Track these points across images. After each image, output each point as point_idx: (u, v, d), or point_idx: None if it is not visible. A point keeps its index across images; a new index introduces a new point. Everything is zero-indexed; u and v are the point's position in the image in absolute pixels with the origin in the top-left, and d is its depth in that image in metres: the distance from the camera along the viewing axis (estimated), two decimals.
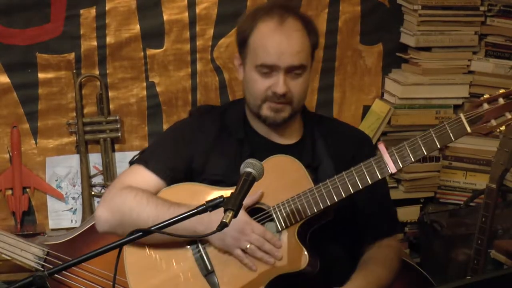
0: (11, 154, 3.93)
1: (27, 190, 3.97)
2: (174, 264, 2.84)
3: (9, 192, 3.95)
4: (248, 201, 2.75)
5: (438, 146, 2.72)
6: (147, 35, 4.00)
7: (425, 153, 2.71)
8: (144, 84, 4.04)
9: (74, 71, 3.95)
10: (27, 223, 3.99)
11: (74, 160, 4.01)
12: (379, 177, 2.73)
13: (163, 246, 2.84)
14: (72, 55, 3.94)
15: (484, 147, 4.19)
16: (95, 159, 4.04)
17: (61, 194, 4.01)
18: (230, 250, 2.77)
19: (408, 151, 2.72)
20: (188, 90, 4.08)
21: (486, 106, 2.68)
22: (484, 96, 2.71)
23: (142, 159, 2.96)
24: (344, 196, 2.75)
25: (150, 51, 4.02)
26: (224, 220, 2.42)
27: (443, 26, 4.18)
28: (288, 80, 2.81)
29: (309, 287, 2.81)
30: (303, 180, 2.80)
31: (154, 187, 2.90)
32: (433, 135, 2.71)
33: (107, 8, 3.94)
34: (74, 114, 3.98)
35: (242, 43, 2.88)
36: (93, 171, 4.04)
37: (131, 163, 3.05)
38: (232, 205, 2.46)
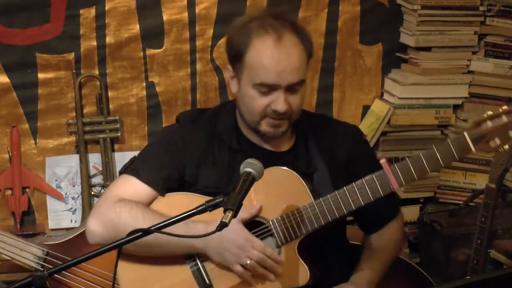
0: (10, 154, 3.93)
1: (27, 190, 3.97)
2: (171, 278, 2.80)
3: (9, 192, 3.95)
4: (246, 215, 2.73)
5: (442, 165, 2.70)
6: (147, 35, 4.00)
7: (429, 172, 2.70)
8: (144, 84, 4.04)
9: (74, 71, 3.95)
10: (27, 223, 3.99)
11: (73, 160, 4.01)
12: (382, 194, 2.72)
13: (160, 261, 2.81)
14: (72, 55, 3.94)
15: None
16: (94, 159, 4.03)
17: (60, 194, 4.01)
18: (230, 266, 2.74)
19: (412, 169, 2.70)
20: (188, 90, 4.08)
21: (489, 124, 2.66)
22: (488, 113, 2.67)
23: (134, 170, 2.88)
24: (345, 212, 2.73)
25: (150, 51, 4.02)
26: (224, 220, 2.42)
27: (443, 26, 4.18)
28: (288, 96, 2.75)
29: None
30: (302, 194, 2.77)
31: (147, 198, 2.84)
32: (437, 153, 2.68)
33: (106, 8, 3.94)
34: (74, 114, 3.98)
35: (236, 58, 2.79)
36: (92, 171, 4.04)
37: (121, 172, 2.97)
38: (231, 205, 2.45)
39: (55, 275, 2.82)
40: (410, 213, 4.23)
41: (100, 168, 4.03)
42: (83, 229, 3.45)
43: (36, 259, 3.46)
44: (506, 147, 2.66)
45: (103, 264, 3.27)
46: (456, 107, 4.26)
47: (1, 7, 3.82)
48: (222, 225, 2.42)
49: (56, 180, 4.01)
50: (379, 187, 2.70)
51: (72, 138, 4.00)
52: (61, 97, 3.98)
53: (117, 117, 4.01)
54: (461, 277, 3.63)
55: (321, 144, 2.91)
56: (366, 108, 4.28)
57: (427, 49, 4.20)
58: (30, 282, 2.28)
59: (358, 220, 3.06)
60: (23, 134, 3.95)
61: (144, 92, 4.05)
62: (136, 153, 3.75)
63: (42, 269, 3.39)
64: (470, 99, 4.24)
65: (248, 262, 2.70)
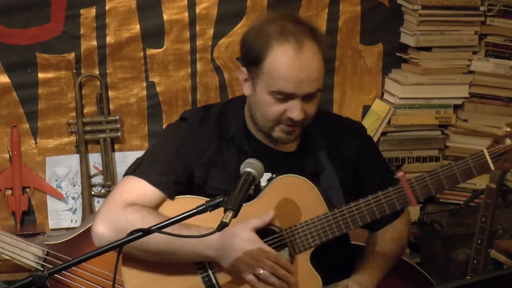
0: (11, 154, 3.93)
1: (27, 190, 3.97)
2: (179, 284, 2.76)
3: (9, 192, 3.94)
4: (260, 223, 2.71)
5: (461, 182, 2.72)
6: (147, 35, 4.00)
7: (446, 187, 2.72)
8: (144, 84, 4.04)
9: (74, 71, 3.95)
10: (27, 223, 3.99)
11: (74, 160, 4.01)
12: (398, 209, 2.73)
13: (168, 266, 2.77)
14: (72, 55, 3.94)
15: (484, 147, 4.18)
16: (95, 159, 4.03)
17: (61, 194, 4.01)
18: (242, 275, 2.70)
19: (430, 186, 2.70)
20: (188, 90, 4.08)
21: (508, 141, 2.68)
22: (506, 129, 2.70)
23: (143, 172, 2.81)
24: (361, 224, 2.74)
25: (150, 51, 4.02)
26: (224, 220, 2.42)
27: (443, 26, 4.18)
28: (304, 104, 2.73)
29: None
30: (316, 203, 2.75)
31: (155, 201, 2.79)
32: (457, 172, 2.71)
33: (107, 8, 3.93)
34: (74, 114, 3.98)
35: (253, 62, 2.74)
36: (93, 171, 4.04)
37: (128, 174, 2.86)
38: (232, 204, 2.45)
39: (55, 275, 2.83)
40: (411, 213, 4.22)
41: (101, 168, 4.02)
42: (83, 229, 3.47)
43: (36, 259, 3.45)
44: None
45: (104, 264, 3.27)
46: (456, 107, 4.26)
47: (1, 7, 3.82)
48: (223, 225, 2.41)
49: (56, 180, 4.01)
50: (396, 202, 2.71)
51: (73, 138, 4.00)
52: (62, 97, 3.98)
53: (117, 117, 4.00)
54: (461, 277, 3.63)
55: (328, 142, 2.90)
56: (366, 108, 4.28)
57: (428, 49, 4.19)
58: (30, 282, 2.28)
59: None
60: (23, 134, 3.95)
61: (145, 92, 4.05)
62: (136, 153, 3.76)
63: (42, 269, 3.39)
64: (470, 99, 4.24)
65: (261, 272, 2.67)
